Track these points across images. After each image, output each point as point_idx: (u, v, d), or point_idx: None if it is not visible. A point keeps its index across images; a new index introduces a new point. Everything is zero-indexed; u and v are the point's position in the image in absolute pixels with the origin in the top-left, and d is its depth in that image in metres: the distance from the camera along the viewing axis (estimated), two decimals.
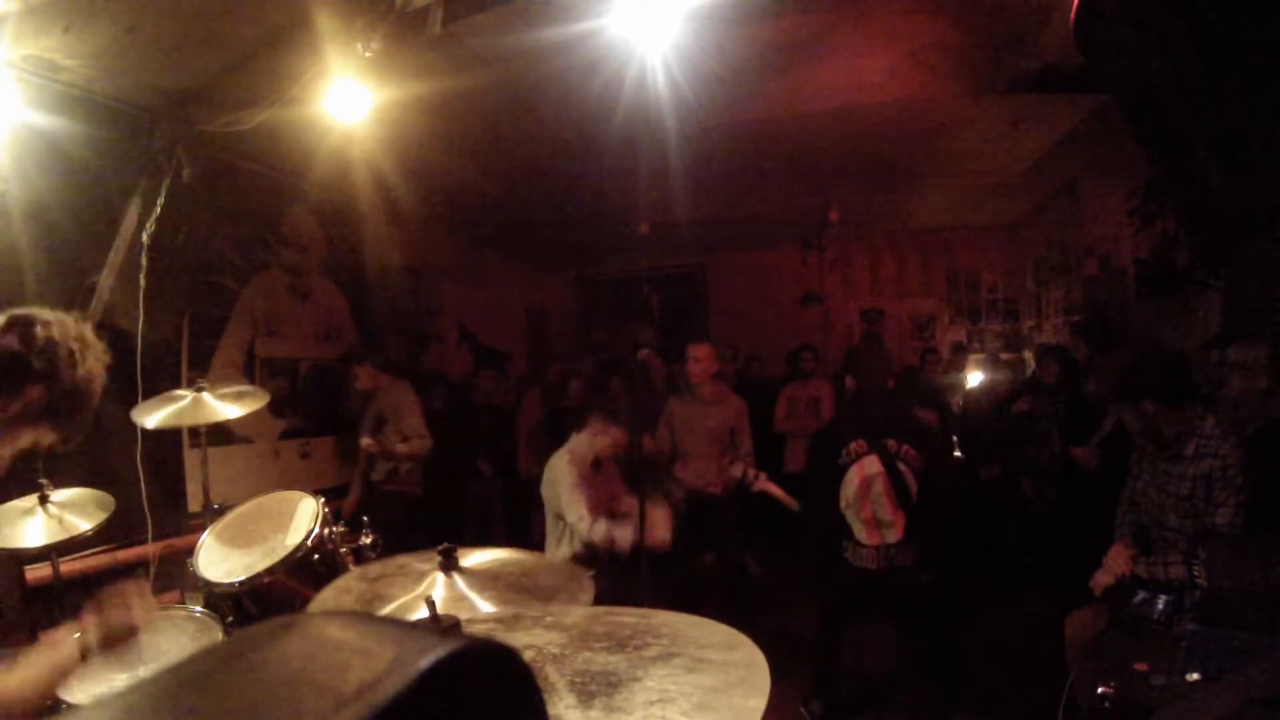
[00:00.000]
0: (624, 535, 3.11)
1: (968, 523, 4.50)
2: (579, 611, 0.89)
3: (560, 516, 3.30)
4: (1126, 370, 2.57)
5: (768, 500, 3.96)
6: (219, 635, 2.00)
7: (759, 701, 0.69)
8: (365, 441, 4.38)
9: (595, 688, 0.69)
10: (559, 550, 3.32)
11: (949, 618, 3.26)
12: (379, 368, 4.60)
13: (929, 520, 3.06)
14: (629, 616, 0.85)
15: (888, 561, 3.02)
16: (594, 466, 3.45)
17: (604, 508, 3.34)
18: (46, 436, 1.42)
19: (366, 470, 4.61)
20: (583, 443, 3.48)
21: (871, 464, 3.05)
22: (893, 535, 3.03)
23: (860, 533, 3.06)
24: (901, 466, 3.05)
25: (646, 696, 0.68)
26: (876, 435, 3.09)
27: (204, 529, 2.33)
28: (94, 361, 1.44)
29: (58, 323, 1.40)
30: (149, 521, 3.23)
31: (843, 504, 3.07)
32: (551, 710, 0.66)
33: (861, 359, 3.52)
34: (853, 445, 3.09)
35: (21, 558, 2.69)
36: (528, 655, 0.74)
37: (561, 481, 3.30)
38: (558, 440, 3.61)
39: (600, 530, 3.13)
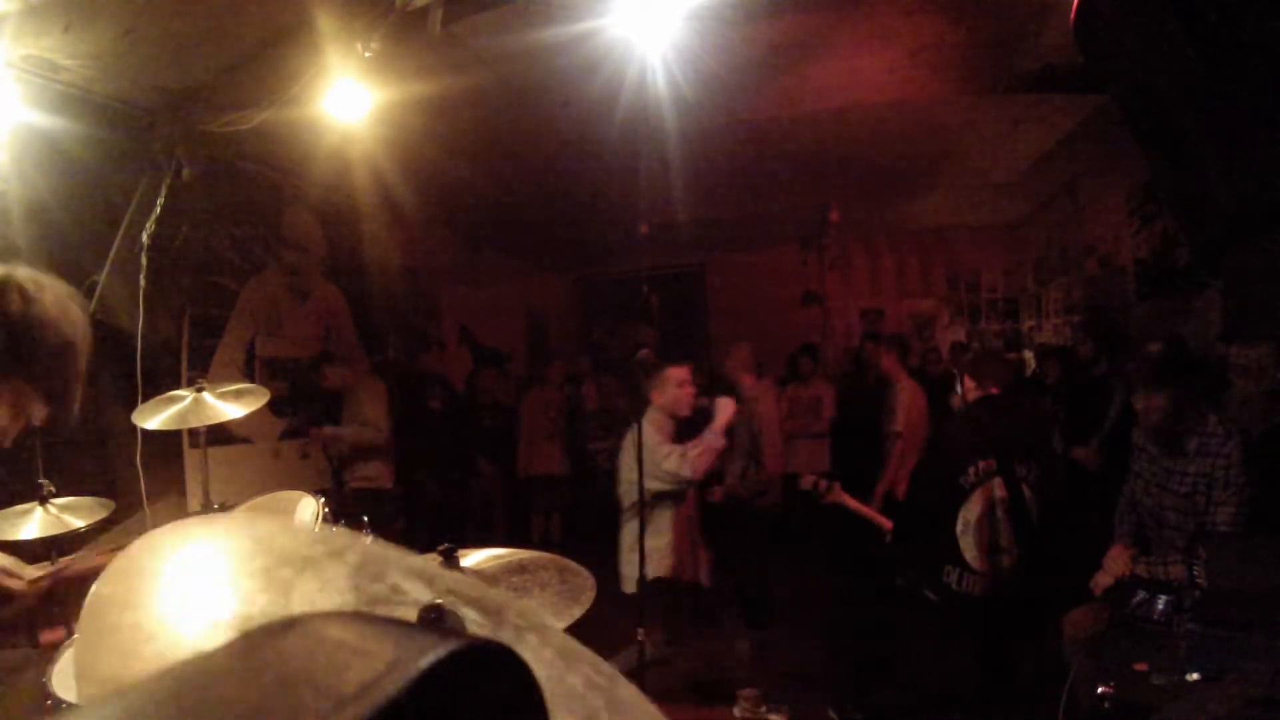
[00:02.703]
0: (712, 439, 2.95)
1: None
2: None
3: (649, 501, 2.98)
4: (1157, 358, 2.56)
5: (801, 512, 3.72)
6: None
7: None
8: (323, 431, 4.47)
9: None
10: (652, 541, 3.02)
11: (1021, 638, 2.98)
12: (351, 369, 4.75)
13: (1046, 550, 2.81)
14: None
15: (996, 591, 2.77)
16: (677, 427, 3.19)
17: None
18: (30, 401, 1.32)
19: (336, 471, 4.61)
20: (655, 410, 3.17)
21: (998, 487, 2.77)
22: (1007, 562, 2.78)
23: (973, 558, 2.78)
24: (1026, 492, 2.78)
25: None
26: (1003, 453, 2.79)
27: None
28: (55, 301, 1.31)
29: (5, 268, 1.28)
30: (149, 522, 3.23)
31: (959, 527, 2.79)
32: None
33: (982, 360, 3.20)
34: (981, 464, 2.78)
35: (21, 556, 2.68)
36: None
37: (649, 449, 2.93)
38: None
39: (691, 454, 2.94)
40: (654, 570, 3.02)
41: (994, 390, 2.94)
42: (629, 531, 3.14)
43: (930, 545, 2.85)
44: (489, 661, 0.35)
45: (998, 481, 2.78)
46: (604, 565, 3.48)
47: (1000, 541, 2.78)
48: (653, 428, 3.06)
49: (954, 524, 2.79)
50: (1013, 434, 2.87)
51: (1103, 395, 4.22)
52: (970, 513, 2.78)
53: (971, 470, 2.78)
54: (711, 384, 5.43)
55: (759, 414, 4.86)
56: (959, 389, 3.14)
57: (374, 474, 4.52)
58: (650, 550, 2.95)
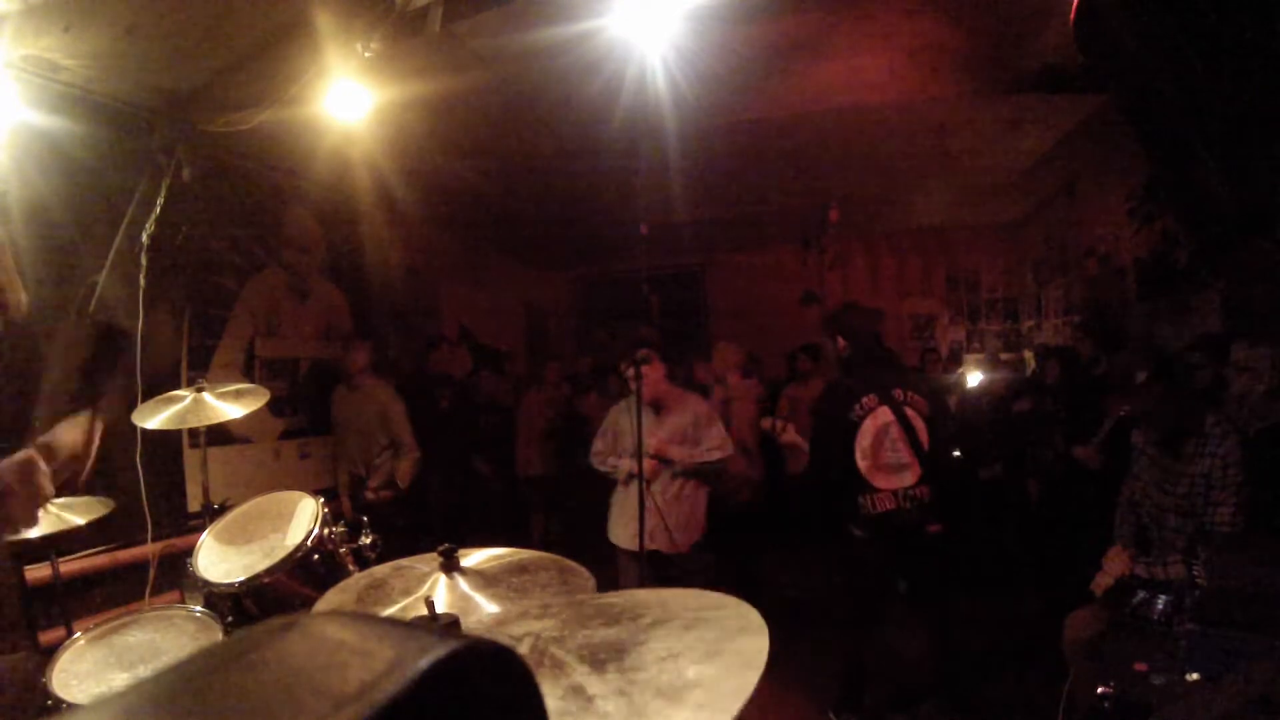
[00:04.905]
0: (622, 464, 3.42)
1: (967, 522, 4.50)
2: (563, 600, 0.91)
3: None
4: (1153, 361, 2.57)
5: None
6: (219, 635, 2.00)
7: (763, 641, 0.71)
8: (372, 495, 4.36)
9: (604, 655, 0.71)
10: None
11: (957, 585, 3.33)
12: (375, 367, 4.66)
13: (941, 462, 3.17)
14: (614, 598, 0.86)
15: (906, 501, 3.11)
16: (654, 410, 3.59)
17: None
18: None
19: (354, 490, 4.51)
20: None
21: (883, 414, 3.13)
22: (909, 477, 3.11)
23: (877, 479, 3.12)
24: (910, 412, 3.13)
25: (655, 655, 0.70)
26: (881, 387, 3.16)
27: (204, 529, 2.33)
28: None
29: None
30: (149, 521, 3.23)
31: (858, 456, 3.13)
32: (569, 681, 0.68)
33: (845, 318, 3.53)
34: (864, 399, 3.15)
35: (21, 555, 2.69)
36: (526, 642, 0.75)
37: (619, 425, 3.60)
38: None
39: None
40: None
41: (863, 341, 3.33)
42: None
43: (841, 483, 3.18)
44: (489, 661, 0.35)
45: (882, 409, 3.14)
46: (605, 563, 3.50)
47: (899, 459, 3.13)
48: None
49: (855, 456, 3.14)
50: (886, 371, 3.28)
51: (1103, 395, 4.21)
52: (865, 440, 3.14)
53: (857, 406, 3.15)
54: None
55: (735, 414, 4.88)
56: (834, 347, 3.54)
57: (394, 486, 4.47)
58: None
